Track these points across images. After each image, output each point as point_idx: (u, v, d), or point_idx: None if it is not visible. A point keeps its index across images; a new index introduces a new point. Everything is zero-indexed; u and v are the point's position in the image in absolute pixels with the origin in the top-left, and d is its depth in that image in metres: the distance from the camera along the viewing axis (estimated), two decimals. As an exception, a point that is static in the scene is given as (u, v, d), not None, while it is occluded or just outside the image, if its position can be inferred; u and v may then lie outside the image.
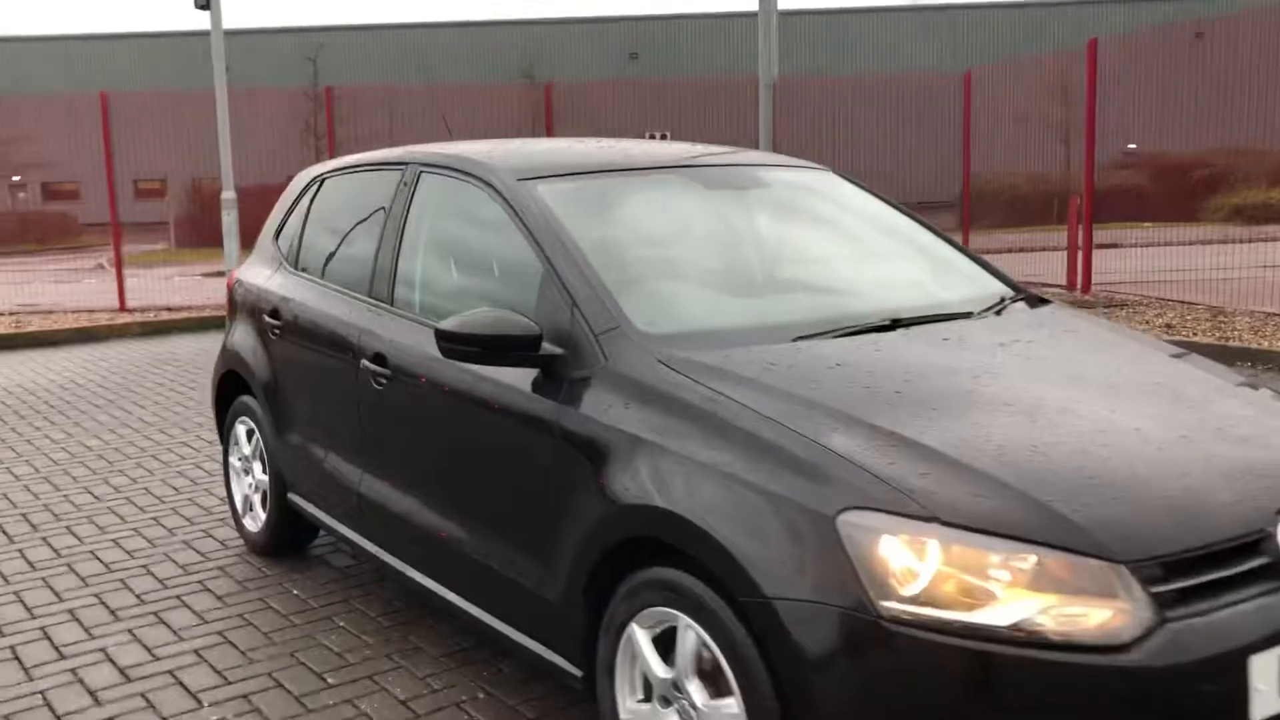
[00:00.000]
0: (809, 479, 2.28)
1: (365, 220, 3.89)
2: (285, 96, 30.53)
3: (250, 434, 4.51)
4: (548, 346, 2.86)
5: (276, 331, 4.22)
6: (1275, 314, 9.99)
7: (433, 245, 3.56)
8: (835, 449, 2.30)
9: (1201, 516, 2.24)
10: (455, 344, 2.85)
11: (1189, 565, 2.17)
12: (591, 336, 2.80)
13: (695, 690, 2.45)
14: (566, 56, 48.25)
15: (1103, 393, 2.66)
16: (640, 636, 2.57)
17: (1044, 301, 3.49)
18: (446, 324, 2.87)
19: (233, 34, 46.26)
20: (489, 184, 3.31)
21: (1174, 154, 26.71)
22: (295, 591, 4.17)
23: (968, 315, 3.18)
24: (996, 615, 2.10)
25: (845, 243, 3.68)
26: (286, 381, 4.19)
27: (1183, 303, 11.29)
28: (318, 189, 4.39)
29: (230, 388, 4.65)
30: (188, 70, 40.19)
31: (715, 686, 2.41)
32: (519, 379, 2.92)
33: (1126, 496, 2.23)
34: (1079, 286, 12.62)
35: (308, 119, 31.76)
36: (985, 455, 2.28)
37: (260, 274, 4.52)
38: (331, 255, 4.10)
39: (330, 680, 3.43)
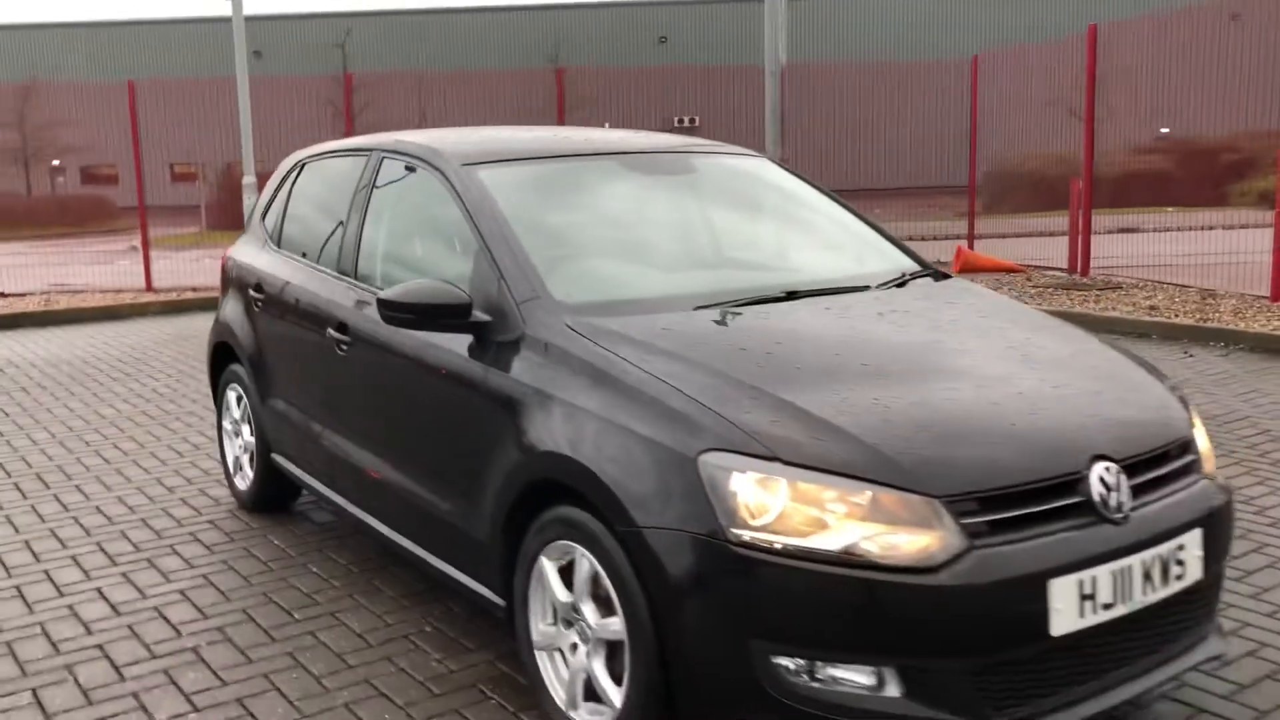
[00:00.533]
0: (678, 426, 2.62)
1: (336, 201, 4.25)
2: (314, 82, 31.02)
3: (239, 399, 4.90)
4: (478, 314, 3.21)
5: (259, 305, 4.61)
6: (1263, 296, 10.18)
7: (390, 224, 3.92)
8: (701, 399, 2.65)
9: (1018, 460, 2.57)
10: (394, 311, 3.21)
11: (1000, 501, 2.50)
12: (515, 305, 3.15)
13: (589, 612, 2.81)
14: (594, 41, 48.44)
15: (956, 354, 2.99)
16: (548, 567, 2.93)
17: (945, 277, 3.81)
18: (386, 293, 3.23)
19: (265, 19, 46.96)
20: (438, 168, 3.67)
21: (1204, 138, 26.57)
22: (275, 541, 4.57)
23: (865, 288, 3.51)
24: (829, 541, 2.44)
25: (765, 223, 4.01)
26: (268, 350, 4.58)
27: (1179, 286, 11.48)
28: (299, 172, 4.76)
29: (222, 357, 5.05)
30: (224, 56, 40.89)
31: (605, 608, 2.77)
32: (457, 344, 3.28)
33: (949, 442, 2.56)
34: (1078, 269, 12.84)
35: (335, 104, 32.30)
36: (830, 406, 2.62)
37: (248, 252, 4.91)
38: (307, 233, 4.48)
39: (296, 616, 3.82)
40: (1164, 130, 28.68)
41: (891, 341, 3.03)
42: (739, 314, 3.13)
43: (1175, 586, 2.69)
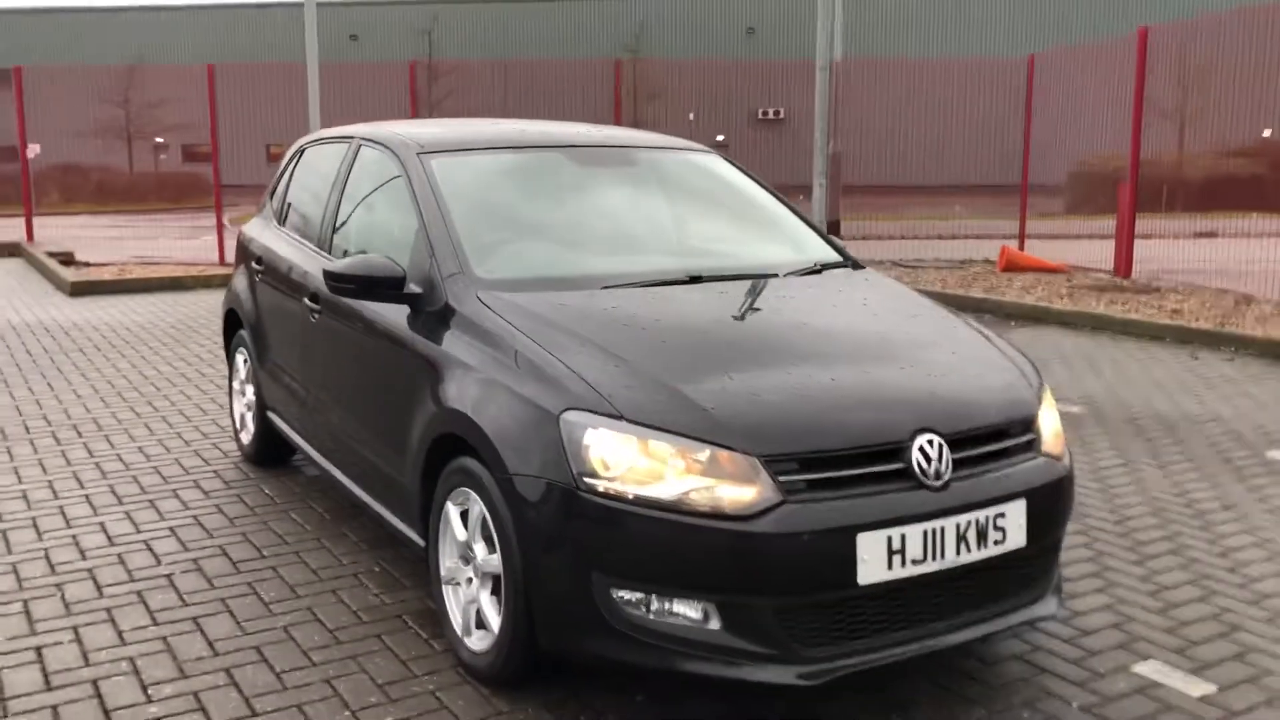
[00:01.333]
0: (548, 387, 3.00)
1: (322, 183, 4.70)
2: (402, 68, 31.91)
3: (245, 361, 5.39)
4: (411, 287, 3.62)
5: (259, 276, 5.08)
6: (1294, 304, 10.17)
7: (360, 204, 4.35)
8: (571, 366, 3.01)
9: (840, 429, 2.89)
10: (337, 282, 3.63)
11: (818, 463, 2.82)
12: (440, 279, 3.55)
13: (479, 548, 3.20)
14: (680, 31, 48.67)
15: (819, 336, 3.31)
16: (451, 511, 3.33)
17: (859, 268, 4.12)
18: (330, 266, 3.66)
19: (360, 5, 47.87)
20: (397, 156, 4.08)
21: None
22: (266, 490, 5.04)
23: (773, 276, 3.83)
24: (664, 490, 2.79)
25: (696, 214, 4.35)
26: (264, 317, 5.05)
27: (1218, 291, 11.45)
28: (299, 157, 5.22)
29: (232, 324, 5.54)
30: (324, 40, 42.17)
31: (490, 546, 3.15)
32: (397, 314, 3.69)
33: (777, 411, 2.89)
34: (1120, 271, 12.85)
35: (419, 91, 33.13)
36: (680, 375, 2.97)
37: (256, 228, 5.39)
38: (298, 212, 4.94)
39: (265, 554, 4.27)
40: (1266, 133, 28.00)
41: (762, 323, 3.36)
42: (636, 295, 3.48)
43: (994, 550, 2.98)
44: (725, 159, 4.67)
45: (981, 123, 28.30)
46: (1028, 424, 3.21)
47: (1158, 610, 3.79)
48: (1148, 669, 3.37)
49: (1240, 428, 6.23)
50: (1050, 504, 3.16)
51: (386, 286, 3.60)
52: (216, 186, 15.18)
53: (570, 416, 2.90)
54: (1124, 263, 12.86)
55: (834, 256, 4.19)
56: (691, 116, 45.27)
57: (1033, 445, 3.20)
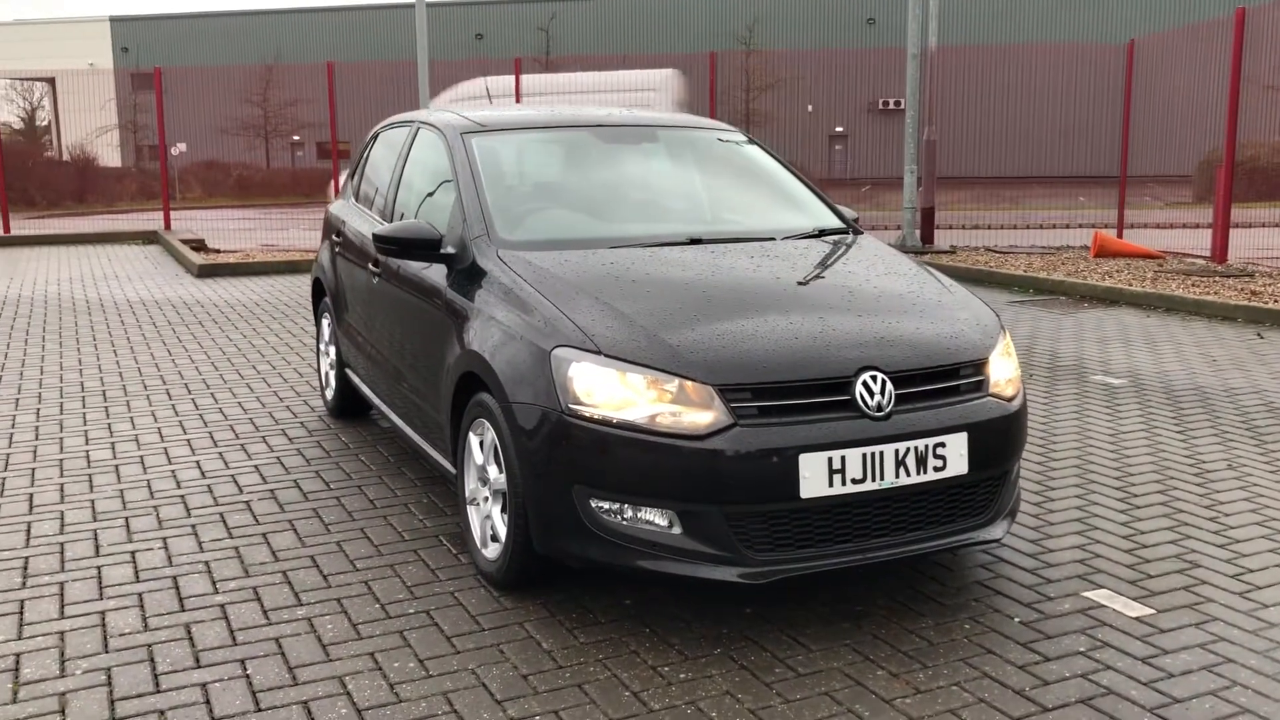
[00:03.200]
0: (543, 329, 3.48)
1: (388, 162, 5.28)
2: (509, 65, 32.92)
3: (328, 325, 6.02)
4: (447, 248, 4.15)
5: (338, 248, 5.70)
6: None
7: (417, 179, 4.90)
8: (563, 310, 3.49)
9: (790, 364, 3.30)
10: (383, 244, 4.18)
11: (769, 392, 3.24)
12: (469, 241, 4.07)
13: (491, 469, 3.71)
14: (796, 22, 48.64)
15: (793, 289, 3.72)
16: (473, 439, 3.84)
17: (858, 233, 4.50)
18: (377, 230, 4.22)
19: (485, 5, 49.03)
20: (444, 135, 4.62)
21: None
22: (342, 438, 5.66)
23: (770, 239, 4.25)
24: (635, 413, 3.25)
25: (708, 184, 4.78)
26: (342, 283, 5.66)
27: (1315, 275, 11.34)
28: (375, 140, 5.82)
29: (318, 292, 6.18)
30: (454, 39, 43.63)
31: (499, 467, 3.66)
32: (438, 273, 4.23)
33: (736, 348, 3.31)
34: (1217, 257, 12.74)
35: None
36: (656, 319, 3.42)
37: (339, 205, 6.01)
38: (370, 188, 5.53)
39: (332, 487, 4.87)
40: None
41: (741, 277, 3.78)
42: (636, 254, 3.94)
43: (933, 475, 3.36)
44: (750, 138, 5.08)
45: (1093, 112, 27.80)
46: (977, 367, 3.57)
47: (1127, 549, 4.09)
48: (1097, 595, 3.68)
49: (1278, 400, 6.37)
50: (994, 438, 3.51)
51: (425, 248, 4.14)
52: (335, 179, 16.10)
53: (559, 353, 3.38)
54: (1220, 248, 12.74)
55: (837, 224, 4.58)
56: (810, 108, 45.39)
57: (981, 386, 3.56)
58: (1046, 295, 11.01)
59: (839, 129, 46.98)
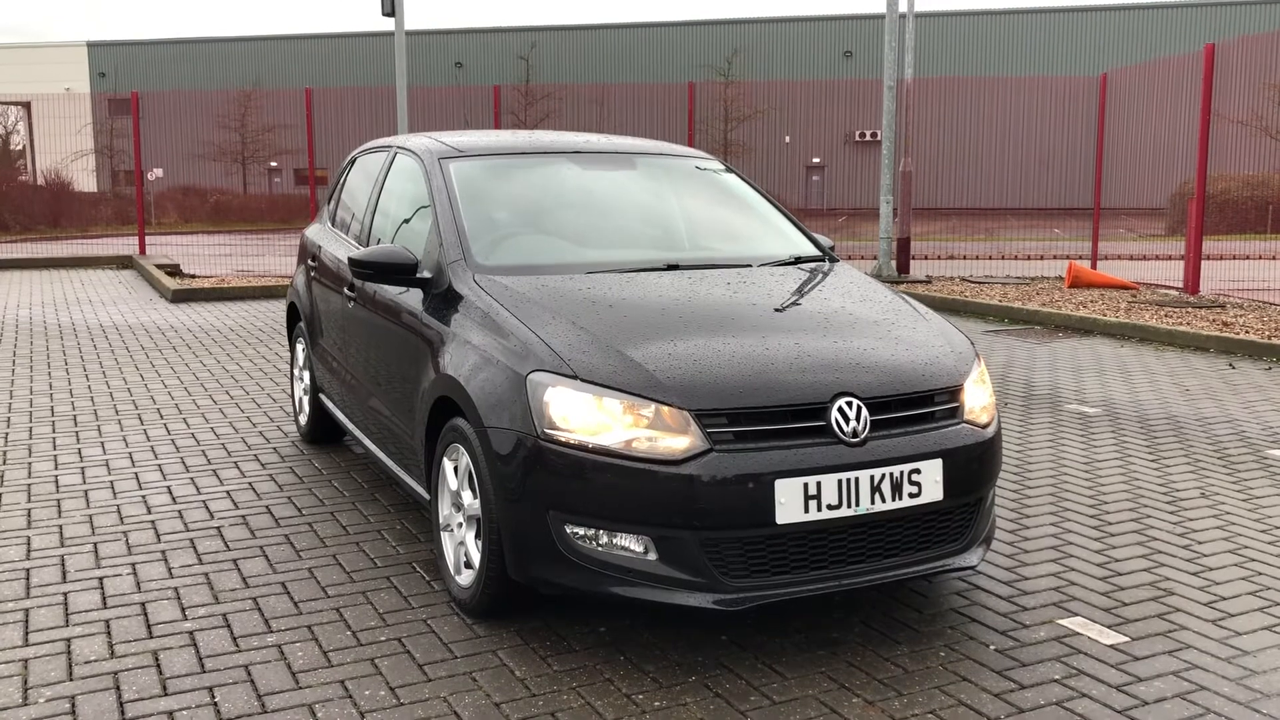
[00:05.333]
0: (519, 353, 3.47)
1: (365, 187, 5.27)
2: (503, 91, 33.06)
3: (303, 350, 5.99)
4: (424, 273, 4.14)
5: (313, 272, 5.67)
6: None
7: (394, 204, 4.89)
8: (540, 335, 3.48)
9: (767, 390, 3.29)
10: (360, 269, 4.17)
11: (745, 418, 3.24)
12: (446, 265, 4.06)
13: (466, 495, 3.68)
14: (774, 55, 49.06)
15: (769, 315, 3.72)
16: (447, 465, 3.81)
17: (834, 261, 4.52)
18: (354, 254, 4.20)
19: (466, 34, 49.26)
20: (422, 161, 4.62)
21: None
22: (315, 464, 5.61)
23: (745, 266, 4.26)
24: (611, 438, 3.24)
25: (685, 210, 4.78)
26: (317, 307, 5.63)
27: (1282, 307, 11.46)
28: (351, 165, 5.81)
29: (293, 316, 6.15)
30: (435, 67, 43.61)
31: (473, 492, 3.63)
32: (414, 299, 4.21)
33: (713, 374, 3.31)
34: (1189, 288, 12.86)
35: (516, 114, 34.18)
36: (632, 344, 3.41)
37: (314, 230, 5.99)
38: (347, 213, 5.51)
39: (304, 513, 4.82)
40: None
41: (717, 303, 3.78)
42: (611, 279, 3.94)
43: (909, 502, 3.35)
44: (725, 165, 5.10)
45: (1068, 144, 28.13)
46: (952, 394, 3.57)
47: (1101, 577, 4.09)
48: (1072, 623, 3.68)
49: (1250, 430, 6.42)
50: (969, 465, 3.51)
51: (401, 272, 4.12)
52: (313, 204, 16.06)
53: (535, 377, 3.37)
54: (1192, 279, 12.87)
55: (813, 252, 4.59)
56: (787, 139, 45.74)
57: (956, 413, 3.56)
58: (1022, 325, 11.09)
59: (816, 160, 47.36)
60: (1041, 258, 18.44)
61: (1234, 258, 17.62)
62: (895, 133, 14.56)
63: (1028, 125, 40.81)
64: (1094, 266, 15.49)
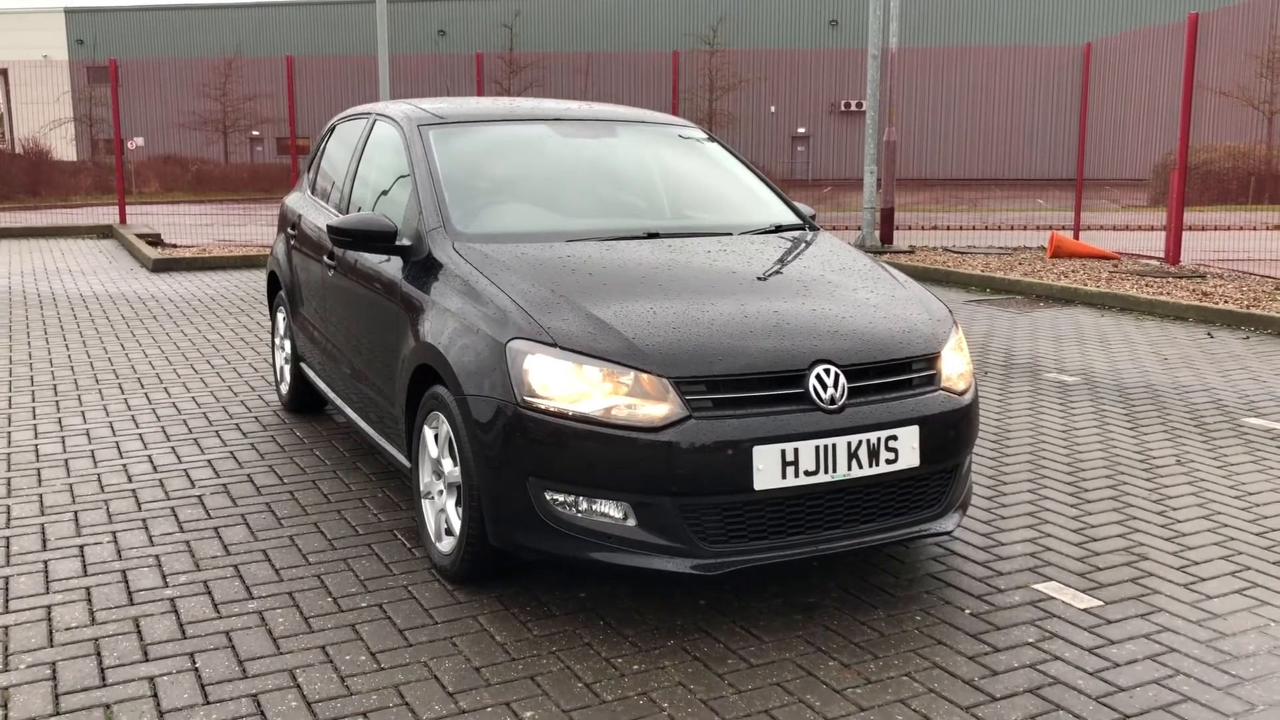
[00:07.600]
0: (499, 321, 3.47)
1: (345, 154, 5.24)
2: (485, 59, 32.83)
3: (283, 319, 5.97)
4: (403, 240, 4.13)
5: (293, 241, 5.65)
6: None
7: (373, 171, 4.87)
8: (519, 302, 3.48)
9: (745, 357, 3.31)
10: (338, 236, 4.15)
11: (723, 384, 3.25)
12: (425, 232, 4.05)
13: (446, 463, 3.69)
14: (760, 24, 48.78)
15: (749, 283, 3.72)
16: (428, 433, 3.82)
17: (815, 230, 4.52)
18: (332, 221, 4.18)
19: (448, 1, 48.83)
20: (401, 128, 4.60)
21: None
22: (297, 433, 5.61)
23: (726, 234, 4.26)
24: (591, 405, 3.25)
25: (667, 179, 4.78)
26: (298, 276, 5.61)
27: (1261, 278, 11.52)
28: (331, 132, 5.78)
29: (273, 285, 6.13)
30: (418, 34, 43.17)
31: (453, 459, 3.64)
32: (394, 266, 4.20)
33: (691, 340, 3.32)
34: (1170, 258, 12.92)
35: (500, 83, 33.96)
36: (612, 312, 3.42)
37: (294, 198, 5.96)
38: (326, 180, 5.49)
39: (286, 481, 4.83)
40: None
41: (695, 270, 3.79)
42: (592, 247, 3.94)
43: (885, 468, 3.38)
44: (709, 134, 5.09)
45: (1053, 115, 28.11)
46: (929, 361, 3.60)
47: (1076, 543, 4.14)
48: (1046, 587, 3.73)
49: (1226, 397, 6.47)
50: (945, 431, 3.53)
51: (380, 240, 4.11)
52: (294, 173, 15.96)
53: (515, 345, 3.37)
54: (1173, 250, 12.92)
55: (794, 220, 4.60)
56: (773, 109, 45.56)
57: (933, 380, 3.58)
58: (1003, 295, 11.13)
59: (801, 130, 47.20)
60: (1025, 228, 18.50)
61: (1215, 229, 17.73)
62: (880, 102, 14.54)
63: (1013, 95, 40.77)
64: (1076, 237, 15.53)
